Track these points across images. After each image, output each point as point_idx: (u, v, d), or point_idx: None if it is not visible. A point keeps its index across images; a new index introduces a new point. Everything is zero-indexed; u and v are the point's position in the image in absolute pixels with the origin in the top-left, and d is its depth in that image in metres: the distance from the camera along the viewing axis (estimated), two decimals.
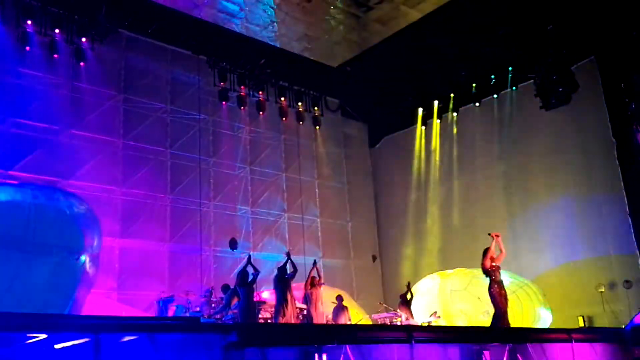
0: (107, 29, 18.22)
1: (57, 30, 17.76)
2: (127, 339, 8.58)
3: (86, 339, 7.96)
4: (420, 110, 24.45)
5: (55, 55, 17.65)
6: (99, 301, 15.32)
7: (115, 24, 18.58)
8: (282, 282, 13.35)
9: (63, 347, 7.95)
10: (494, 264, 12.93)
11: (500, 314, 13.01)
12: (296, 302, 14.87)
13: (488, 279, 13.03)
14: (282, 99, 23.29)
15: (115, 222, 18.01)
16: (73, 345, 8.09)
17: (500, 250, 13.11)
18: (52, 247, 11.62)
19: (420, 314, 17.03)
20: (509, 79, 21.86)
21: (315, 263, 15.19)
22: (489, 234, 13.22)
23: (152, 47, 19.95)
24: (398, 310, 16.40)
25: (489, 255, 12.87)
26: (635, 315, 13.90)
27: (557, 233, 20.15)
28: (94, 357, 7.71)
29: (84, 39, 18.17)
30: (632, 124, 18.98)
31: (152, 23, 19.35)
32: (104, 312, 13.50)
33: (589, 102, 19.71)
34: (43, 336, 7.41)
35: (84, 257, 11.80)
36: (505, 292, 13.12)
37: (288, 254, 14.10)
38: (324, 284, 15.24)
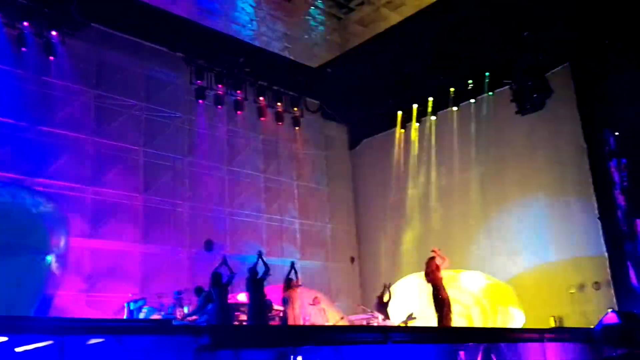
0: (79, 23, 17.76)
1: (25, 23, 17.19)
2: (93, 341, 8.31)
3: (49, 342, 7.68)
4: (399, 113, 24.53)
5: (24, 49, 17.13)
6: (67, 303, 14.95)
7: (88, 18, 18.11)
8: (255, 284, 13.07)
9: (25, 350, 7.66)
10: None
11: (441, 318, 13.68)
12: (273, 304, 14.67)
13: (433, 286, 13.83)
14: (261, 98, 22.97)
15: (85, 222, 17.55)
16: (36, 348, 7.81)
17: (443, 259, 14.12)
18: (17, 246, 11.21)
19: (398, 315, 16.93)
20: (486, 84, 22.14)
21: (293, 265, 14.94)
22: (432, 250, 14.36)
23: (126, 43, 19.47)
24: (375, 311, 16.27)
25: (437, 266, 13.88)
26: (604, 315, 14.06)
27: (531, 235, 20.53)
28: None
29: (54, 33, 17.60)
30: (602, 129, 19.38)
31: (128, 18, 18.89)
32: (72, 315, 13.11)
33: (563, 108, 20.14)
34: (4, 339, 7.17)
35: (50, 257, 11.40)
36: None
37: (259, 254, 13.81)
38: (301, 285, 14.99)
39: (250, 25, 20.53)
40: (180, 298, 14.99)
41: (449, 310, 13.85)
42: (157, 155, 19.75)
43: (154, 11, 18.87)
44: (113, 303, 16.93)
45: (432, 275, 13.94)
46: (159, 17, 19.21)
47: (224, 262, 13.50)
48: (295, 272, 14.25)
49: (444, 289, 13.91)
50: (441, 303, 13.83)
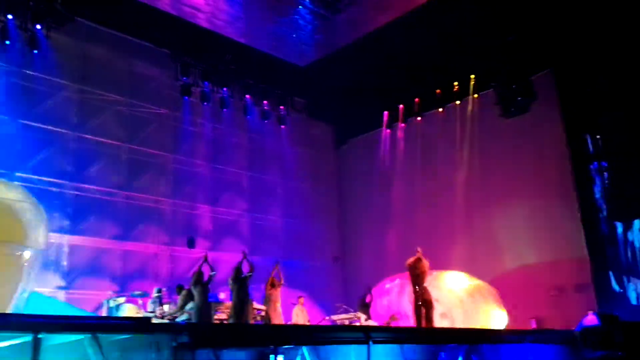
0: (64, 17, 17.57)
1: (10, 16, 16.99)
2: (71, 339, 8.21)
3: (25, 339, 7.57)
4: (386, 113, 24.55)
5: (7, 42, 16.90)
6: (45, 300, 14.76)
7: (74, 12, 17.91)
8: (238, 283, 12.98)
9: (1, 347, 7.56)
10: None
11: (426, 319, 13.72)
12: (254, 302, 14.58)
13: (420, 287, 13.86)
14: (247, 96, 22.89)
15: (65, 218, 17.38)
16: (11, 345, 7.69)
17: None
18: None
19: (380, 316, 16.93)
20: (471, 86, 22.25)
21: (277, 263, 14.86)
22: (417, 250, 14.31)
23: (112, 38, 19.33)
24: (357, 312, 16.24)
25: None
26: (584, 317, 14.06)
27: (513, 237, 20.64)
28: (33, 357, 7.34)
29: (39, 26, 17.40)
30: (585, 133, 19.56)
31: (113, 13, 18.77)
32: (49, 312, 12.91)
33: (546, 112, 20.32)
34: None
35: (28, 253, 11.25)
36: None
37: (244, 254, 13.73)
38: (283, 284, 14.93)
39: (237, 23, 20.44)
40: (160, 296, 14.85)
41: (432, 312, 13.83)
42: (141, 151, 19.60)
43: (140, 6, 18.77)
44: (92, 300, 16.73)
45: (422, 276, 13.92)
46: (145, 13, 19.10)
47: (206, 260, 13.40)
48: (280, 271, 14.18)
49: (428, 290, 13.92)
50: (429, 305, 13.80)
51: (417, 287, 13.82)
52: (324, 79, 23.30)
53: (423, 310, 13.68)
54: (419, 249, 14.34)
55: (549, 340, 14.98)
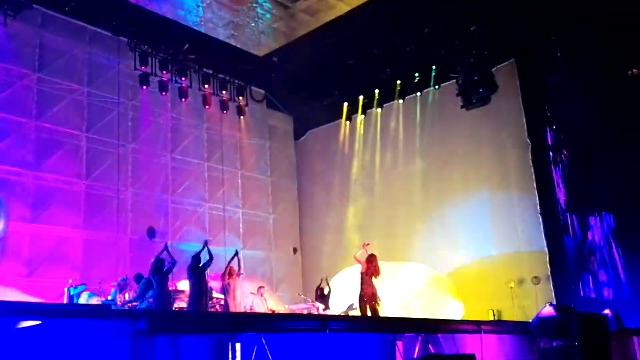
0: (20, 4, 17.31)
1: None
2: (27, 324, 8.23)
3: None
4: (345, 104, 24.51)
5: None
6: (4, 289, 14.67)
7: None
8: (197, 272, 13.07)
9: None
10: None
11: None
12: (213, 291, 14.69)
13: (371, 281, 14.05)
14: (206, 86, 22.81)
15: (25, 207, 17.24)
16: None
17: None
18: None
19: (338, 306, 17.12)
20: (432, 77, 22.17)
21: (236, 253, 14.97)
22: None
23: (69, 26, 19.07)
24: (315, 302, 16.45)
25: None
26: (542, 309, 14.44)
27: (472, 229, 20.69)
28: None
29: None
30: (545, 126, 19.76)
31: (71, 0, 18.49)
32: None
33: (507, 104, 20.31)
34: None
35: None
36: None
37: (206, 243, 13.81)
38: (242, 274, 15.05)
39: (196, 11, 20.25)
40: (124, 284, 14.88)
41: (377, 305, 14.08)
42: (100, 141, 19.45)
43: None
44: (53, 289, 16.64)
45: (378, 270, 14.14)
46: (102, 0, 18.90)
47: (166, 249, 13.46)
48: (239, 261, 14.27)
49: (374, 284, 14.14)
50: (373, 298, 14.03)
51: (363, 281, 13.97)
52: (283, 69, 23.22)
53: (368, 304, 13.84)
54: (365, 244, 14.63)
55: (504, 331, 15.34)
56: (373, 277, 14.07)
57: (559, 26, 18.76)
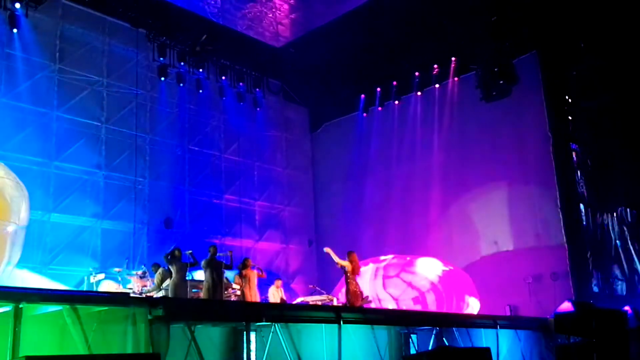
0: None
1: None
2: (50, 310, 8.42)
3: (6, 308, 7.77)
4: (362, 97, 24.45)
5: None
6: (27, 275, 14.92)
7: None
8: (212, 263, 13.17)
9: None
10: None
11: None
12: (229, 282, 14.78)
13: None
14: (223, 77, 22.92)
15: (47, 196, 17.45)
16: None
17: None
18: None
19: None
20: (452, 69, 21.94)
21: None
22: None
23: (89, 17, 19.26)
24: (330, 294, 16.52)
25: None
26: (560, 305, 14.32)
27: (490, 223, 20.54)
28: (14, 326, 7.54)
29: (17, 5, 17.28)
30: (567, 119, 19.46)
31: None
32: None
33: (528, 96, 20.01)
34: None
35: (11, 228, 11.36)
36: None
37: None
38: (264, 277, 15.17)
39: (213, 3, 20.34)
40: (141, 274, 15.03)
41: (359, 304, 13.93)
42: (118, 132, 19.64)
43: None
44: (73, 276, 17.06)
45: (359, 267, 14.17)
46: None
47: (192, 255, 13.42)
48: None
49: (358, 283, 14.07)
50: (357, 297, 13.86)
51: (349, 280, 13.87)
52: (299, 60, 23.20)
53: (351, 302, 13.69)
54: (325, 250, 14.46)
55: (521, 326, 15.27)
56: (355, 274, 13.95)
57: (582, 15, 18.45)
